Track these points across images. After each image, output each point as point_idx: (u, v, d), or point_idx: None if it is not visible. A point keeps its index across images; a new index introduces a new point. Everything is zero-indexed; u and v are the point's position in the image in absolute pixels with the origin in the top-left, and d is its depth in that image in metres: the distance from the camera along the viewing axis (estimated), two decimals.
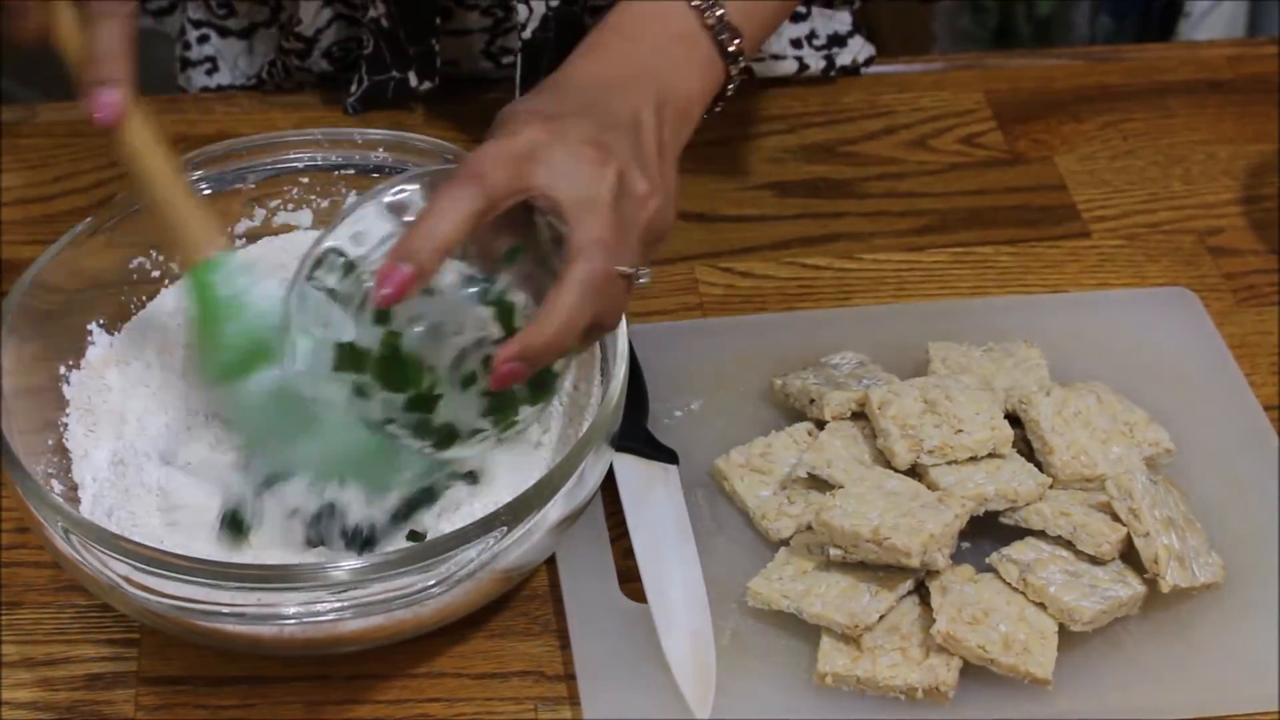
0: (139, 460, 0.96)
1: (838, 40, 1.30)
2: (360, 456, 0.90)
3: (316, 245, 0.87)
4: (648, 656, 0.92)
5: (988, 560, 0.94)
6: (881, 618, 0.91)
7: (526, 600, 0.97)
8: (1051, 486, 0.97)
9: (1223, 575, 0.94)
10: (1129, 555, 0.94)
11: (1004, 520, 0.96)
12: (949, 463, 0.96)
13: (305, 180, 1.06)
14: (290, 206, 1.06)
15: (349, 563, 0.83)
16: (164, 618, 0.86)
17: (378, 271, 0.82)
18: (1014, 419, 0.99)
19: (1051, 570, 0.92)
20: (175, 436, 0.97)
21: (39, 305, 0.96)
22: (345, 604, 0.84)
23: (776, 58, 1.29)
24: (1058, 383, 1.02)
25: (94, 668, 0.93)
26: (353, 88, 1.25)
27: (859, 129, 1.28)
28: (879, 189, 1.24)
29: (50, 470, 0.95)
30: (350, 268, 0.87)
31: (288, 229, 1.07)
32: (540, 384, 0.89)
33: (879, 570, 0.92)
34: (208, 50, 1.29)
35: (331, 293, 0.87)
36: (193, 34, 1.29)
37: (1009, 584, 0.92)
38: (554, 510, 0.88)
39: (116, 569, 0.84)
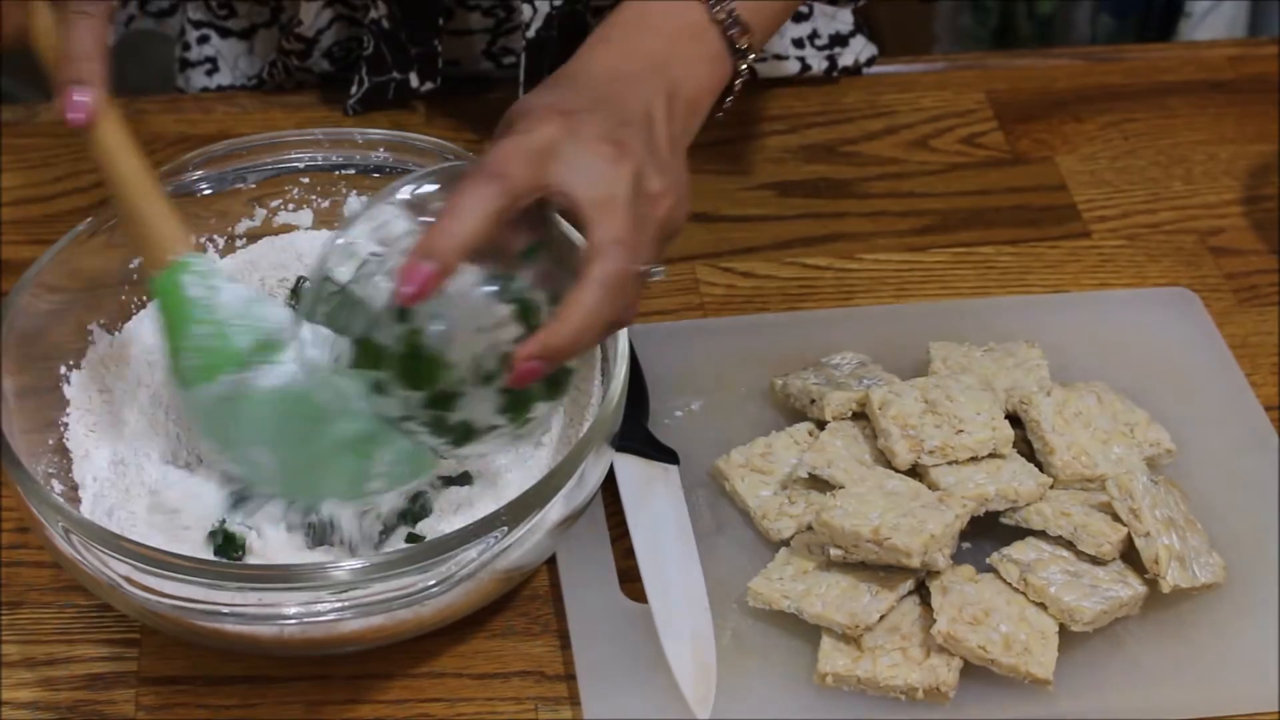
0: (139, 460, 0.96)
1: (840, 40, 1.30)
2: (330, 464, 0.90)
3: (334, 241, 0.87)
4: (648, 657, 0.92)
5: (988, 560, 0.94)
6: (882, 618, 0.91)
7: (527, 600, 0.97)
8: (1052, 487, 0.97)
9: (1223, 575, 0.94)
10: (1130, 555, 0.94)
11: (1004, 520, 0.96)
12: (950, 463, 0.96)
13: (306, 180, 1.06)
14: (291, 206, 1.06)
15: (349, 563, 0.83)
16: (164, 618, 0.86)
17: (399, 269, 0.82)
18: (1015, 419, 0.99)
19: (1052, 570, 0.92)
20: (177, 438, 0.97)
21: (40, 305, 0.96)
22: (346, 604, 0.84)
23: (779, 58, 1.29)
24: (1058, 383, 1.02)
25: (95, 667, 0.93)
26: (353, 89, 1.25)
27: (860, 129, 1.28)
28: (880, 189, 1.24)
29: (51, 470, 0.95)
30: (368, 265, 0.86)
31: (288, 229, 1.07)
32: (555, 380, 0.88)
33: (879, 570, 0.92)
34: (208, 51, 1.29)
35: (348, 290, 0.86)
36: (193, 34, 1.29)
37: (1010, 584, 0.92)
38: (554, 510, 0.88)
39: (117, 569, 0.84)
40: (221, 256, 1.06)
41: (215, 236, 1.06)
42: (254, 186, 1.05)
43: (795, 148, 1.26)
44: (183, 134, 1.25)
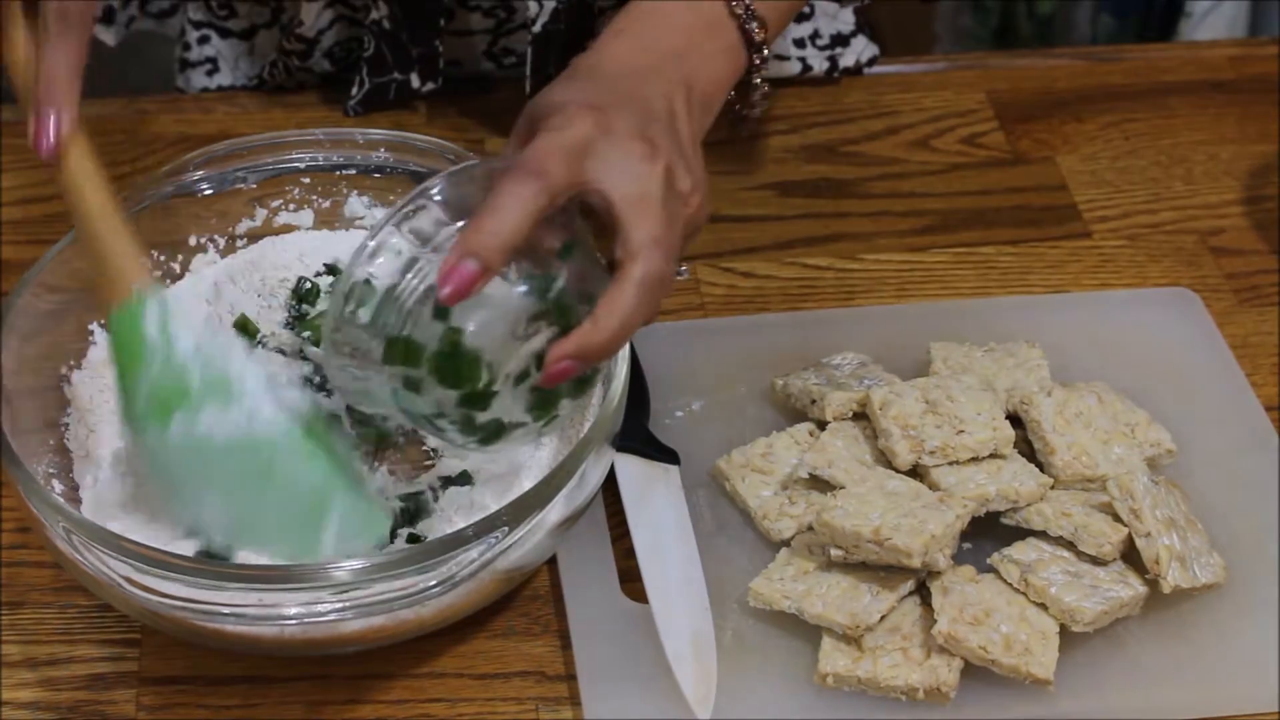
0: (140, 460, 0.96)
1: (841, 40, 1.30)
2: (280, 518, 0.88)
3: (368, 239, 0.86)
4: (649, 657, 0.92)
5: (989, 561, 0.94)
6: (883, 618, 0.91)
7: (528, 600, 0.97)
8: (1053, 487, 0.97)
9: (1224, 576, 0.94)
10: (1130, 556, 0.94)
11: (1005, 521, 0.96)
12: (950, 463, 0.96)
13: (307, 180, 1.06)
14: (292, 206, 1.06)
15: (350, 563, 0.83)
16: (165, 618, 0.86)
17: (441, 268, 0.81)
18: (1015, 419, 0.99)
19: (1053, 571, 0.92)
20: None
21: (40, 305, 0.96)
22: (346, 604, 0.84)
23: (780, 58, 1.29)
24: (1059, 383, 1.02)
25: (96, 668, 0.93)
26: (353, 90, 1.25)
27: (861, 129, 1.28)
28: (881, 189, 1.24)
29: (51, 470, 0.95)
30: (406, 263, 0.86)
31: (289, 229, 1.07)
32: (582, 378, 0.88)
33: (880, 570, 0.92)
34: (208, 51, 1.29)
35: (385, 288, 0.85)
36: (193, 35, 1.29)
37: (1010, 584, 0.92)
38: (555, 510, 0.88)
39: (118, 569, 0.84)
40: (222, 256, 1.06)
41: (216, 236, 1.06)
42: (255, 186, 1.05)
43: (796, 148, 1.26)
44: (183, 134, 1.25)
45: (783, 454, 1.00)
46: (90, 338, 1.00)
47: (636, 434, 1.01)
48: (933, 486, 0.95)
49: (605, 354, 0.85)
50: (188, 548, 0.92)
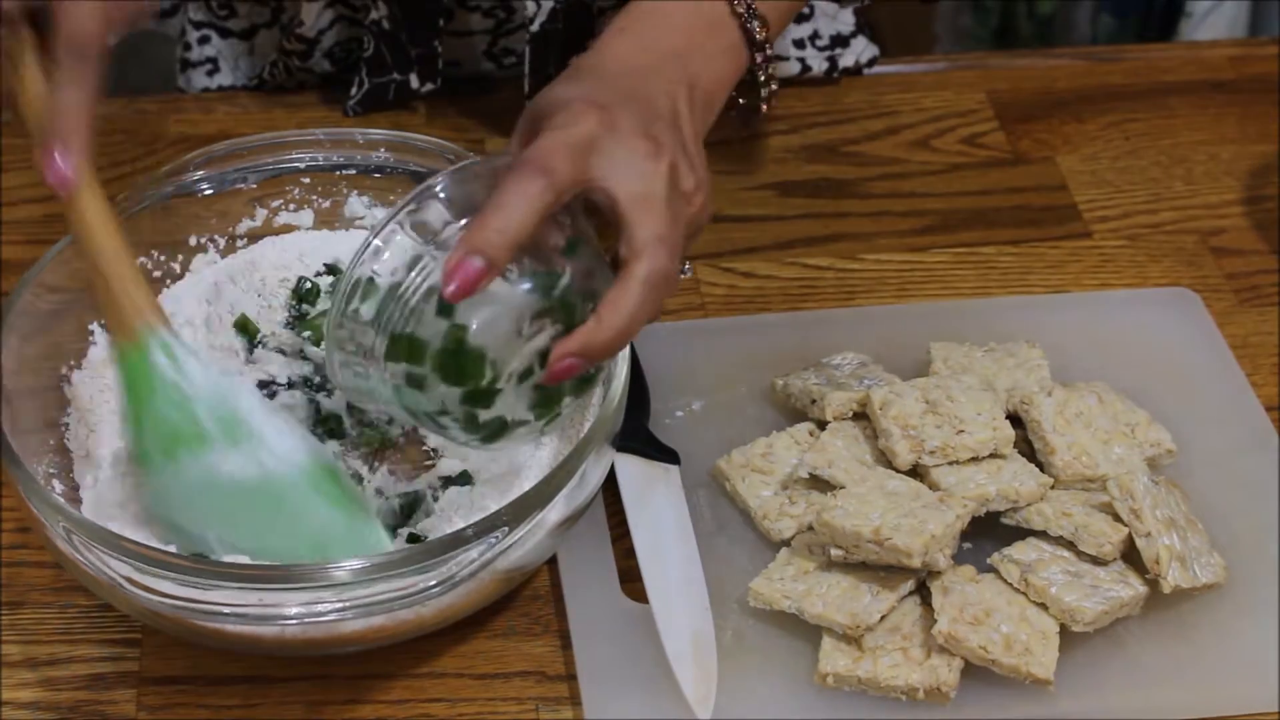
0: None
1: (841, 41, 1.30)
2: (287, 551, 0.88)
3: (372, 236, 0.86)
4: (649, 657, 0.92)
5: (989, 560, 0.94)
6: (883, 618, 0.91)
7: (528, 600, 0.97)
8: (1053, 487, 0.97)
9: (1224, 576, 0.94)
10: (1130, 556, 0.94)
11: (1005, 521, 0.96)
12: (950, 463, 0.96)
13: (307, 180, 1.06)
14: (292, 206, 1.06)
15: (350, 563, 0.83)
16: (165, 618, 0.86)
17: (446, 265, 0.81)
18: (1015, 419, 0.99)
19: (1053, 571, 0.92)
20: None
21: (40, 305, 0.96)
22: (346, 604, 0.84)
23: (780, 58, 1.29)
24: (1059, 383, 1.02)
25: (96, 668, 0.93)
26: (353, 90, 1.25)
27: (861, 129, 1.28)
28: (881, 189, 1.24)
29: (52, 470, 0.95)
30: (410, 260, 0.85)
31: (289, 229, 1.07)
32: (585, 377, 0.88)
33: (880, 570, 0.92)
34: (209, 51, 1.29)
35: (389, 285, 0.85)
36: (193, 35, 1.29)
37: (1010, 584, 0.92)
38: (555, 510, 0.88)
39: (118, 569, 0.84)
40: (222, 256, 1.06)
41: (216, 236, 1.06)
42: (255, 186, 1.05)
43: (796, 148, 1.26)
44: (183, 134, 1.25)
45: (783, 454, 1.00)
46: (90, 338, 1.00)
47: (637, 434, 1.01)
48: (933, 486, 0.95)
49: (609, 352, 0.84)
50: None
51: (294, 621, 0.85)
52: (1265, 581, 0.96)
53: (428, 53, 1.23)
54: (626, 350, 0.93)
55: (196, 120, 1.27)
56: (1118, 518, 0.93)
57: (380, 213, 1.06)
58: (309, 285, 1.03)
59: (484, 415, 0.86)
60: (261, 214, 1.06)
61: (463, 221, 0.85)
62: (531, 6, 1.19)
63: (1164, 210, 1.22)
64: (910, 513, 0.91)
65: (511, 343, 0.85)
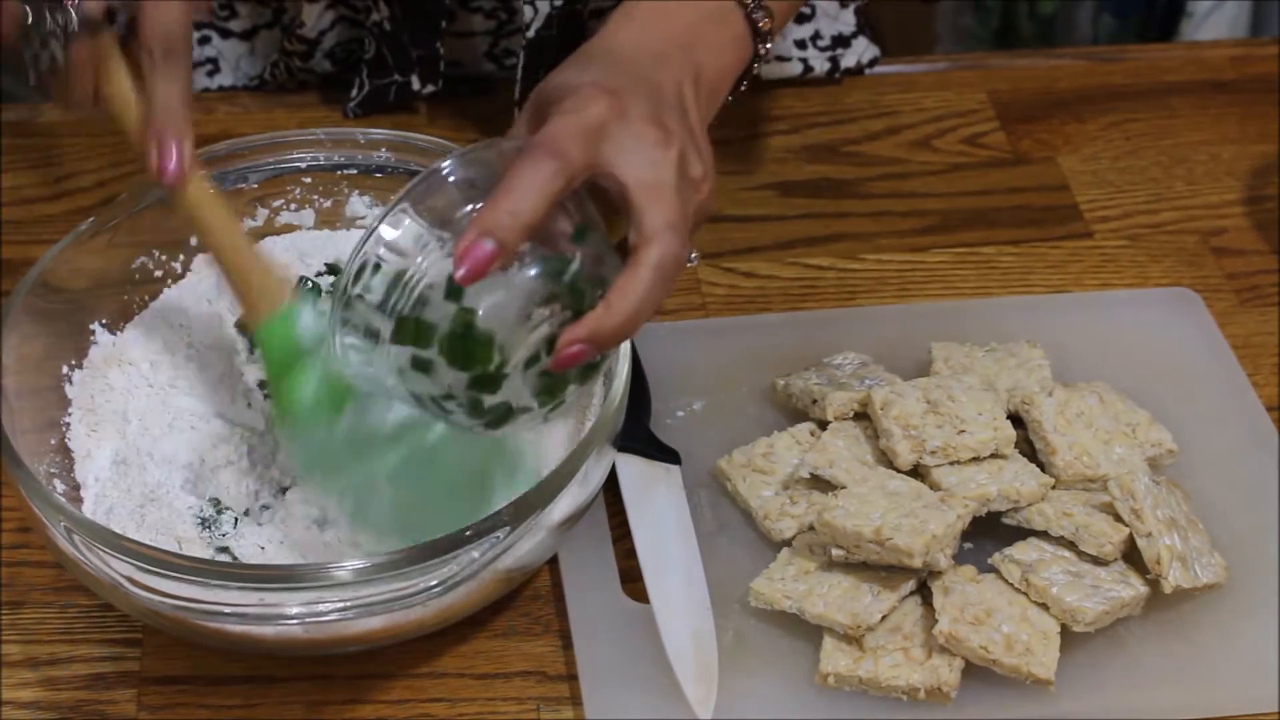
0: (141, 460, 0.96)
1: (842, 41, 1.30)
2: (443, 500, 0.89)
3: (380, 217, 0.85)
4: (650, 657, 0.92)
5: (990, 561, 0.94)
6: (884, 618, 0.91)
7: (529, 600, 0.97)
8: (1054, 487, 0.97)
9: (1225, 576, 0.94)
10: (1131, 556, 0.94)
11: (1006, 521, 0.96)
12: (951, 463, 0.96)
13: (308, 180, 1.06)
14: (293, 206, 1.06)
15: (351, 563, 0.83)
16: (166, 618, 0.86)
17: (458, 248, 0.80)
18: (1016, 419, 0.99)
19: (1054, 571, 0.92)
20: (202, 465, 0.97)
21: (41, 305, 0.96)
22: (348, 604, 0.84)
23: (781, 59, 1.29)
24: (1060, 383, 1.02)
25: (97, 667, 0.93)
26: (353, 92, 1.25)
27: (862, 129, 1.28)
28: (882, 189, 1.24)
29: (53, 470, 0.95)
30: (420, 243, 0.84)
31: (290, 229, 1.07)
32: (590, 364, 0.87)
33: (881, 570, 0.92)
34: (209, 51, 1.29)
35: (396, 268, 0.84)
36: (194, 35, 1.29)
37: (1011, 584, 0.92)
38: (556, 510, 0.88)
39: (119, 569, 0.84)
40: None
41: None
42: (256, 186, 1.05)
43: (797, 148, 1.26)
44: None
45: (784, 454, 1.00)
46: (92, 337, 1.00)
47: (638, 434, 1.01)
48: (934, 486, 0.95)
49: (618, 339, 0.84)
50: (197, 549, 0.92)
51: (295, 621, 0.85)
52: (1266, 582, 0.96)
53: (429, 54, 1.23)
54: (627, 349, 0.92)
55: (197, 120, 1.25)
56: (1119, 518, 0.93)
57: (377, 214, 1.05)
58: (310, 285, 1.03)
59: (489, 401, 0.85)
60: (263, 214, 1.06)
61: (470, 205, 0.84)
62: (529, 12, 1.18)
63: (1165, 210, 1.22)
64: (911, 513, 0.91)
65: (520, 328, 0.84)
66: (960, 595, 0.91)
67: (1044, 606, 0.91)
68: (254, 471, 0.96)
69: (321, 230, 1.07)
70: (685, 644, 0.92)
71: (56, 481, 0.95)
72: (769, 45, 0.97)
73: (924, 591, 0.93)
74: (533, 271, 0.84)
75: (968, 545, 0.96)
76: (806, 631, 0.92)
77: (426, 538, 0.85)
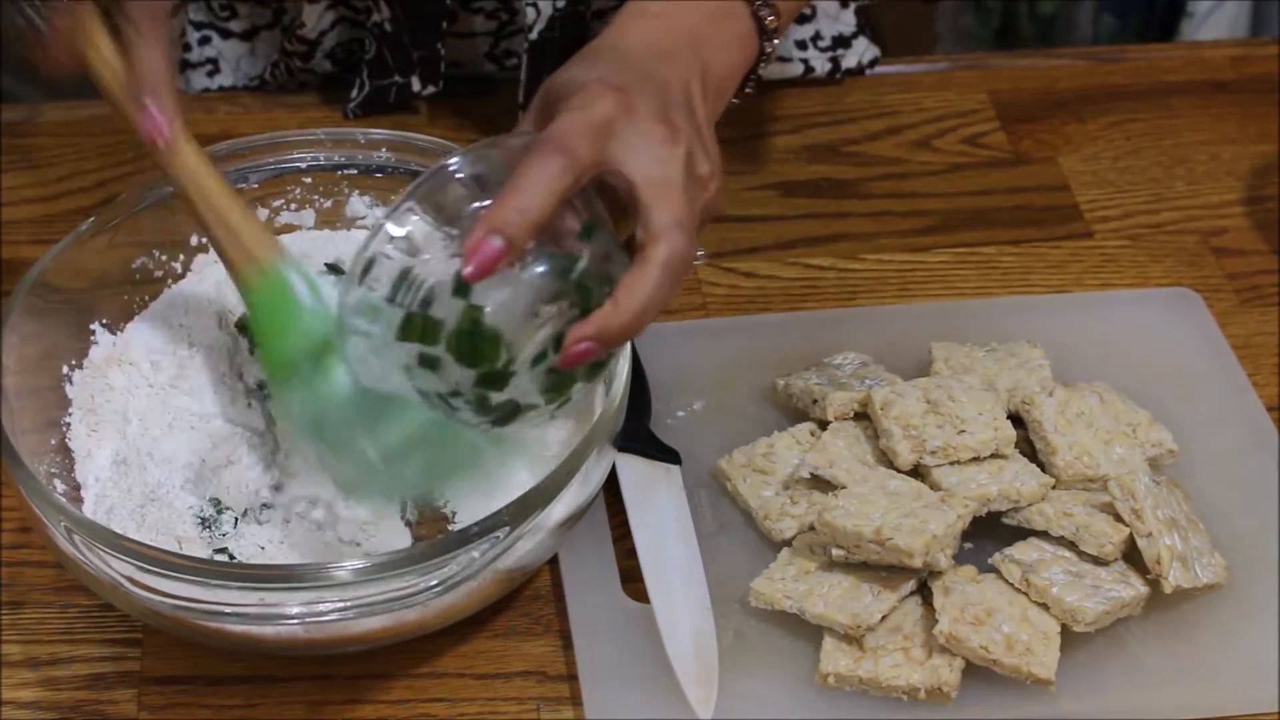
0: (141, 460, 0.96)
1: (843, 42, 1.29)
2: (439, 444, 0.89)
3: (388, 212, 0.85)
4: (650, 657, 0.92)
5: (990, 561, 0.94)
6: (884, 618, 0.91)
7: (529, 600, 0.97)
8: (1054, 487, 0.97)
9: (1225, 576, 0.94)
10: (1131, 556, 0.94)
11: (1006, 521, 0.96)
12: (951, 463, 0.96)
13: (308, 180, 1.06)
14: (293, 206, 1.06)
15: (351, 563, 0.83)
16: (166, 618, 0.86)
17: (466, 245, 0.80)
18: (1017, 419, 0.99)
19: (1054, 571, 0.92)
20: (202, 465, 0.97)
21: (42, 305, 0.96)
22: (348, 604, 0.84)
23: (782, 60, 1.29)
24: (1060, 383, 1.02)
25: (97, 667, 0.93)
26: (353, 93, 1.25)
27: (862, 129, 1.28)
28: (883, 189, 1.24)
29: (53, 470, 0.95)
30: (427, 239, 0.84)
31: (291, 229, 1.07)
32: (597, 361, 0.86)
33: (881, 570, 0.92)
34: (209, 52, 1.29)
35: (404, 264, 0.84)
36: (194, 35, 1.29)
37: (1011, 584, 0.92)
38: (556, 510, 0.88)
39: (119, 569, 0.84)
40: None
41: None
42: (256, 187, 1.05)
43: (798, 148, 1.26)
44: None
45: (784, 454, 1.00)
46: (92, 337, 1.00)
47: (638, 434, 1.01)
48: (934, 486, 0.95)
49: (625, 337, 0.84)
50: (198, 549, 0.92)
51: (295, 621, 0.85)
52: (1266, 582, 0.96)
53: (430, 55, 1.23)
54: (628, 349, 0.92)
55: (197, 120, 1.26)
56: (1119, 518, 0.93)
57: (382, 212, 1.06)
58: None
59: (496, 398, 0.84)
60: (263, 214, 1.06)
61: (478, 202, 0.84)
62: (531, 13, 1.18)
63: (1165, 210, 1.22)
64: (911, 513, 0.91)
65: (527, 325, 0.83)
66: (960, 595, 0.91)
67: (1044, 606, 0.91)
68: (254, 471, 0.96)
69: (322, 230, 1.07)
70: (685, 644, 0.92)
71: (57, 481, 0.95)
72: (775, 42, 0.97)
73: (924, 591, 0.93)
74: (540, 269, 0.83)
75: (968, 545, 0.96)
76: (807, 631, 0.92)
77: (413, 496, 0.85)
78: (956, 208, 1.22)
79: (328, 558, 0.93)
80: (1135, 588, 0.92)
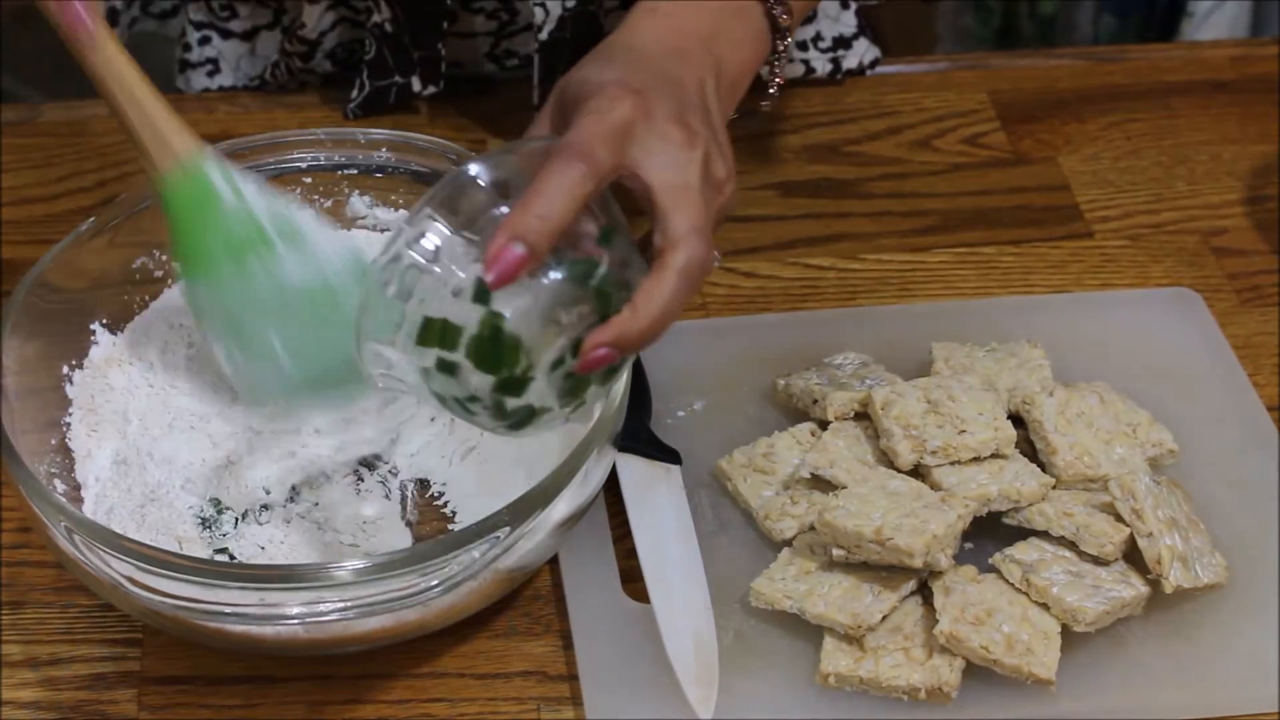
0: (141, 460, 0.96)
1: (843, 43, 1.29)
2: (341, 351, 0.89)
3: (409, 217, 0.84)
4: (650, 657, 0.92)
5: (990, 560, 0.94)
6: (884, 618, 0.91)
7: (529, 600, 0.97)
8: (1054, 487, 0.97)
9: (1226, 576, 0.94)
10: (1132, 556, 0.94)
11: (1007, 521, 0.95)
12: (952, 463, 0.96)
13: (308, 180, 1.06)
14: None
15: (352, 563, 0.83)
16: (167, 618, 0.86)
17: (488, 252, 0.80)
18: (1017, 419, 0.99)
19: (1054, 571, 0.92)
20: (213, 472, 0.97)
21: (42, 305, 0.96)
22: (348, 604, 0.84)
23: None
24: (1061, 383, 1.02)
25: (97, 667, 0.93)
26: (353, 93, 1.25)
27: (863, 129, 1.28)
28: (883, 189, 1.24)
29: (53, 470, 0.95)
30: (447, 245, 0.84)
31: None
32: (612, 366, 0.86)
33: (882, 570, 0.92)
34: (209, 52, 1.29)
35: (425, 269, 0.83)
36: (194, 35, 1.29)
37: (1012, 584, 0.92)
38: (557, 510, 0.88)
39: (119, 569, 0.84)
40: None
41: None
42: None
43: (798, 148, 1.26)
44: None
45: (784, 454, 1.00)
46: (92, 337, 1.00)
47: (638, 434, 1.01)
48: (934, 486, 0.95)
49: (643, 343, 0.83)
50: (198, 549, 0.92)
51: (295, 621, 0.85)
52: (1267, 582, 0.96)
53: (430, 55, 1.23)
54: None
55: (197, 120, 1.26)
56: (1119, 518, 0.93)
57: (382, 212, 1.06)
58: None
59: (512, 403, 0.84)
60: None
61: (498, 208, 0.84)
62: (540, 14, 1.18)
63: (1165, 210, 1.22)
64: (912, 513, 0.91)
65: (546, 331, 0.83)
66: (961, 595, 0.91)
67: (1045, 606, 0.91)
68: (254, 471, 0.96)
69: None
70: (686, 644, 0.92)
71: (57, 481, 0.95)
72: (788, 41, 0.97)
73: (925, 591, 0.93)
74: (560, 275, 0.83)
75: (968, 545, 0.96)
76: (807, 631, 0.92)
77: (320, 393, 0.87)
78: (957, 208, 1.22)
79: (328, 558, 0.93)
80: (1136, 588, 0.92)
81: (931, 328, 1.09)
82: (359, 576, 0.83)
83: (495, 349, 0.83)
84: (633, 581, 0.95)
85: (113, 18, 1.29)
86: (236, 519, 0.94)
